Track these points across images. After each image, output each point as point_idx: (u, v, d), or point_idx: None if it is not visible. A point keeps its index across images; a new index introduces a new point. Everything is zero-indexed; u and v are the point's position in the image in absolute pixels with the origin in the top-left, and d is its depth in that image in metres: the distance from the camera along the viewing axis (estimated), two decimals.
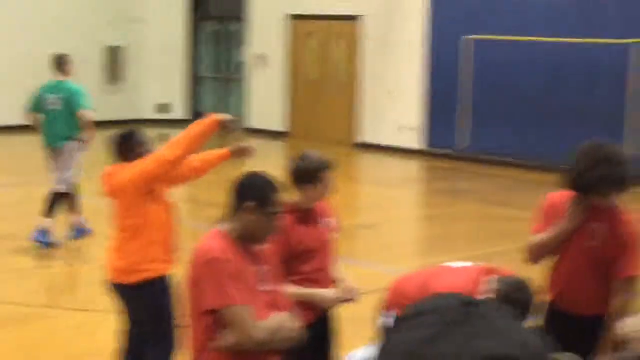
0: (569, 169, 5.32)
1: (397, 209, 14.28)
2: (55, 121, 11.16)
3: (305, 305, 5.44)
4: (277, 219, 4.46)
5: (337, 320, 5.81)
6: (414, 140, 18.98)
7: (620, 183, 5.21)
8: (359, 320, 6.65)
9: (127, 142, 6.43)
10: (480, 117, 17.89)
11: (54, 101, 11.19)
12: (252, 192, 4.43)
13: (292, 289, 5.37)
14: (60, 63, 11.34)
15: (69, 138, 11.23)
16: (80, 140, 11.24)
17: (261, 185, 4.46)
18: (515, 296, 5.08)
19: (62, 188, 11.30)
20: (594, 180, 5.23)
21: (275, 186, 4.50)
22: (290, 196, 5.57)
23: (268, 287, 4.50)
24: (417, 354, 1.16)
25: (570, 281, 5.44)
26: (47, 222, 11.12)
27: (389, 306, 5.47)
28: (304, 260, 5.52)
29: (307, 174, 5.50)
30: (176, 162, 6.03)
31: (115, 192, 6.38)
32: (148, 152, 6.41)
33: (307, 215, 5.57)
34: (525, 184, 15.93)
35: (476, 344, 1.14)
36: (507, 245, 10.80)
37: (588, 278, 5.39)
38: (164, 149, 6.17)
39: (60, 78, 11.27)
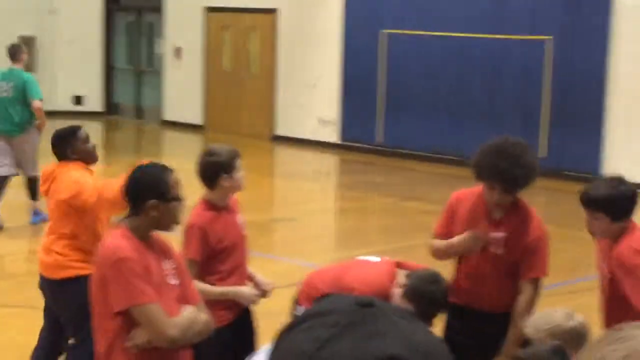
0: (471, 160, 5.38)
1: (313, 203, 14.28)
2: (6, 108, 11.44)
3: (224, 303, 5.44)
4: (180, 203, 4.41)
5: (254, 315, 5.80)
6: (331, 133, 19.05)
7: (502, 175, 5.14)
8: (274, 315, 6.66)
9: (68, 140, 6.28)
10: (395, 111, 18.03)
11: (4, 88, 11.50)
12: (151, 190, 4.37)
13: (210, 288, 5.36)
14: (15, 52, 11.76)
15: (20, 125, 11.47)
16: (33, 127, 11.55)
17: (157, 179, 4.39)
18: (426, 290, 5.11)
19: (28, 173, 11.63)
20: (479, 169, 5.26)
21: (168, 172, 4.44)
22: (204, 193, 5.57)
23: (176, 282, 4.46)
24: (310, 356, 1.14)
25: (476, 283, 5.47)
26: (37, 204, 11.53)
27: (301, 300, 5.47)
28: (223, 258, 5.48)
29: (217, 168, 5.44)
30: (116, 202, 5.66)
31: (50, 196, 6.31)
32: (89, 150, 6.33)
33: (223, 212, 5.52)
34: (440, 177, 16.06)
35: (370, 345, 1.13)
36: (422, 238, 10.75)
37: (494, 280, 5.42)
38: (112, 183, 5.97)
39: (14, 66, 11.69)
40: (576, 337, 4.37)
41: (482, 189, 5.36)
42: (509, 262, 5.37)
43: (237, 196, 5.76)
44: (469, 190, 5.52)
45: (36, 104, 11.45)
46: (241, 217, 5.69)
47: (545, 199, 13.25)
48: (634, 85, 15.32)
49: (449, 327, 5.59)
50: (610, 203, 5.05)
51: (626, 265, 5.02)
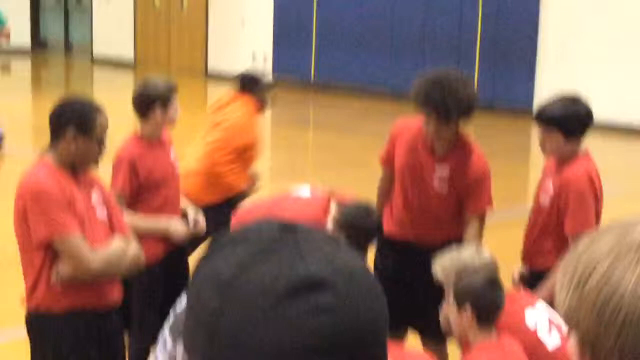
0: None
1: None
2: None
3: (154, 239, 5.36)
4: (101, 143, 4.32)
5: (187, 250, 5.73)
6: (264, 68, 18.91)
7: (435, 104, 5.13)
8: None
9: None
10: (329, 46, 17.92)
11: None
12: (73, 120, 4.28)
13: (139, 221, 5.28)
14: None
15: None
16: None
17: (80, 110, 4.31)
18: (357, 221, 5.05)
19: None
20: (415, 98, 5.22)
21: (95, 108, 4.35)
22: (136, 125, 5.48)
23: (104, 214, 4.40)
24: (229, 282, 1.12)
25: (417, 219, 5.44)
26: None
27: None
28: (153, 193, 5.41)
29: (151, 100, 5.37)
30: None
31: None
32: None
33: (155, 145, 5.45)
34: (375, 113, 16.02)
35: (293, 268, 1.11)
36: (357, 174, 10.89)
37: (437, 216, 5.41)
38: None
39: None
40: (484, 274, 4.35)
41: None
42: (452, 199, 5.36)
43: (170, 132, 5.68)
44: (413, 120, 5.47)
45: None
46: (174, 153, 5.62)
47: (476, 134, 13.33)
48: (566, 20, 15.40)
49: (381, 262, 5.58)
50: (565, 119, 5.09)
51: (574, 189, 5.07)
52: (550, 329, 4.43)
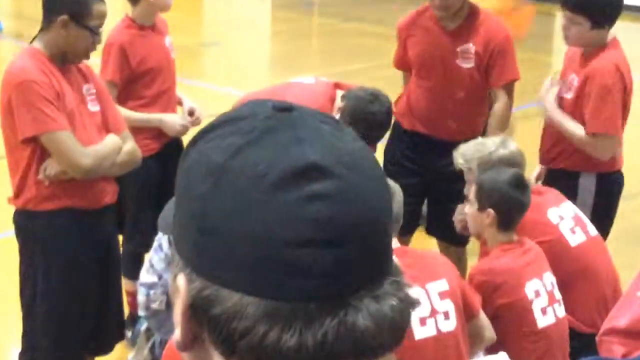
0: None
1: (244, 25, 13.96)
2: None
3: (149, 132, 5.29)
4: (96, 33, 4.19)
5: (184, 144, 5.58)
6: None
7: None
8: None
9: None
10: None
11: None
12: (66, 3, 4.13)
13: (132, 114, 5.18)
14: None
15: None
16: None
17: None
18: (365, 109, 4.95)
19: None
20: None
21: None
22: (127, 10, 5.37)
23: (94, 108, 4.31)
24: (219, 166, 1.08)
25: (437, 107, 5.41)
26: None
27: None
28: (146, 82, 5.31)
29: None
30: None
31: None
32: None
33: (148, 32, 5.34)
34: None
35: (289, 152, 1.07)
36: (363, 62, 10.70)
37: (461, 101, 5.38)
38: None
39: None
40: (508, 165, 4.31)
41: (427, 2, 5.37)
42: (479, 74, 5.36)
43: (164, 17, 5.57)
44: (413, 13, 5.51)
45: None
46: (169, 39, 5.51)
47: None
48: None
49: (398, 152, 5.55)
50: (594, 5, 4.99)
51: (599, 83, 4.97)
52: (574, 227, 4.45)
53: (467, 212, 4.26)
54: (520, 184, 4.09)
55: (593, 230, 4.57)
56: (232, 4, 15.40)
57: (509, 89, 5.39)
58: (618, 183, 5.23)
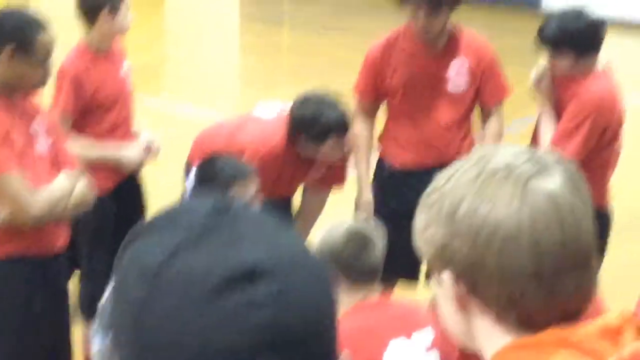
0: None
1: (211, 38, 13.97)
2: None
3: (104, 168, 5.30)
4: (45, 64, 4.18)
5: (142, 180, 5.69)
6: None
7: None
8: (167, 174, 6.49)
9: None
10: None
11: None
12: (8, 35, 4.14)
13: (86, 148, 5.21)
14: None
15: None
16: None
17: (19, 24, 4.16)
18: (311, 111, 5.19)
19: None
20: None
21: (38, 22, 4.21)
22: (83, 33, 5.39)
23: (45, 145, 4.30)
24: (156, 271, 1.09)
25: (422, 133, 5.44)
26: None
27: (193, 160, 5.30)
28: (101, 113, 5.32)
29: (97, 4, 5.25)
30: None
31: None
32: None
33: (104, 58, 5.37)
34: (364, 3, 15.63)
35: (228, 253, 1.10)
36: (342, 79, 10.60)
37: (449, 126, 5.43)
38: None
39: None
40: None
41: (408, 23, 5.36)
42: (469, 98, 5.46)
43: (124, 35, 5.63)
44: (383, 39, 5.50)
45: None
46: (127, 65, 5.54)
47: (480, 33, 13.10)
48: None
49: (396, 198, 5.45)
50: (572, 36, 5.12)
51: (577, 107, 5.12)
52: None
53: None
54: None
55: None
56: (197, 16, 15.40)
57: (500, 107, 5.53)
58: (608, 219, 5.31)
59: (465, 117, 5.51)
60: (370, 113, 5.58)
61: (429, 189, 1.65)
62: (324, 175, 5.55)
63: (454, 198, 1.59)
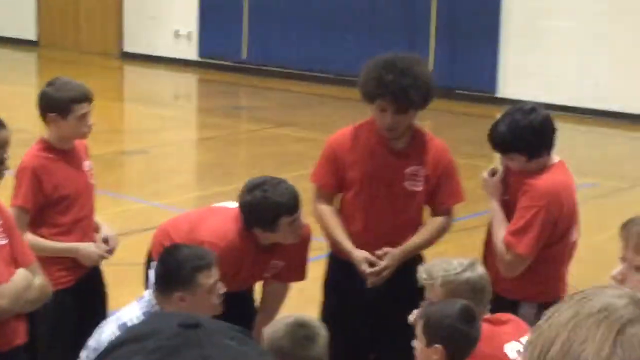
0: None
1: (169, 131, 14.12)
2: None
3: (63, 263, 5.35)
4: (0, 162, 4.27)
5: (103, 275, 5.74)
6: (189, 49, 18.82)
7: (390, 88, 5.17)
8: (126, 265, 6.65)
9: None
10: (264, 22, 17.89)
11: None
12: None
13: (46, 244, 5.26)
14: None
15: None
16: None
17: None
18: (259, 200, 5.17)
19: None
20: (365, 86, 5.28)
21: None
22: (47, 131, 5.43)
23: (4, 241, 4.36)
24: None
25: (379, 227, 5.48)
26: None
27: (155, 254, 5.37)
28: (62, 210, 5.39)
29: (58, 105, 5.33)
30: None
31: None
32: None
33: (65, 155, 5.42)
34: (318, 99, 16.10)
35: None
36: (297, 171, 10.85)
37: (403, 220, 5.48)
38: None
39: None
40: (471, 289, 4.47)
41: (373, 117, 5.40)
42: (424, 196, 5.48)
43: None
44: (345, 131, 5.54)
45: None
46: (89, 164, 5.61)
47: (434, 122, 13.39)
48: None
49: (345, 284, 5.55)
50: (520, 141, 5.11)
51: (527, 198, 5.14)
52: None
53: (415, 346, 4.34)
54: (468, 317, 4.19)
55: None
56: (156, 109, 15.57)
57: (452, 210, 5.61)
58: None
59: (419, 215, 5.56)
60: (329, 201, 5.57)
61: (534, 328, 1.58)
62: (284, 271, 5.45)
63: (547, 338, 1.51)
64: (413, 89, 5.23)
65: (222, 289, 4.53)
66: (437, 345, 4.15)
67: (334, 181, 5.54)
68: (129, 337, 1.19)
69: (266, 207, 5.15)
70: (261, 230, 5.23)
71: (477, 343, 4.21)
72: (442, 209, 5.58)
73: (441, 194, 5.52)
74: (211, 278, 4.47)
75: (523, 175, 5.23)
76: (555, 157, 5.30)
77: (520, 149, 5.12)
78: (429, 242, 5.61)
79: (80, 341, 4.55)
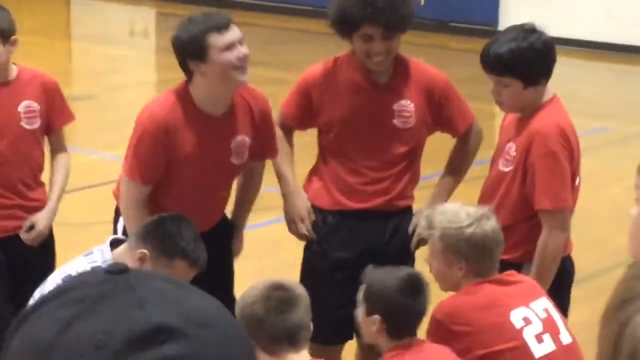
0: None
1: (124, 74, 14.13)
2: None
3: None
4: None
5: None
6: None
7: (379, 6, 5.21)
8: (75, 226, 6.84)
9: None
10: None
11: None
12: None
13: None
14: None
15: None
16: None
17: None
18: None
19: None
20: (342, 12, 5.31)
21: None
22: None
23: None
24: (49, 345, 1.13)
25: (370, 173, 5.53)
26: None
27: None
28: None
29: None
30: None
31: None
32: None
33: None
34: (293, 34, 16.17)
35: (130, 316, 1.14)
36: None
37: (398, 163, 5.52)
38: None
39: None
40: (473, 247, 4.51)
41: (353, 49, 5.41)
42: (420, 134, 5.50)
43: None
44: (321, 66, 5.53)
45: None
46: (29, 104, 5.67)
47: (426, 60, 13.27)
48: None
49: (327, 240, 5.59)
50: (520, 61, 5.04)
51: (542, 149, 5.04)
52: (542, 333, 4.51)
53: (357, 314, 4.43)
54: (412, 289, 4.29)
55: (567, 338, 4.59)
56: (109, 48, 15.48)
57: (469, 132, 5.61)
58: (567, 271, 5.28)
59: (415, 155, 5.57)
60: (289, 135, 5.66)
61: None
62: (253, 149, 5.36)
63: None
64: (399, 14, 5.28)
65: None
66: (375, 316, 4.27)
67: (299, 115, 5.57)
68: (55, 292, 1.21)
69: (191, 27, 5.13)
70: (195, 65, 5.11)
71: (422, 317, 4.33)
72: (460, 133, 5.61)
73: (452, 119, 5.55)
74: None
75: (521, 123, 5.17)
76: (549, 91, 5.24)
77: (517, 72, 5.03)
78: (463, 173, 5.75)
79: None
